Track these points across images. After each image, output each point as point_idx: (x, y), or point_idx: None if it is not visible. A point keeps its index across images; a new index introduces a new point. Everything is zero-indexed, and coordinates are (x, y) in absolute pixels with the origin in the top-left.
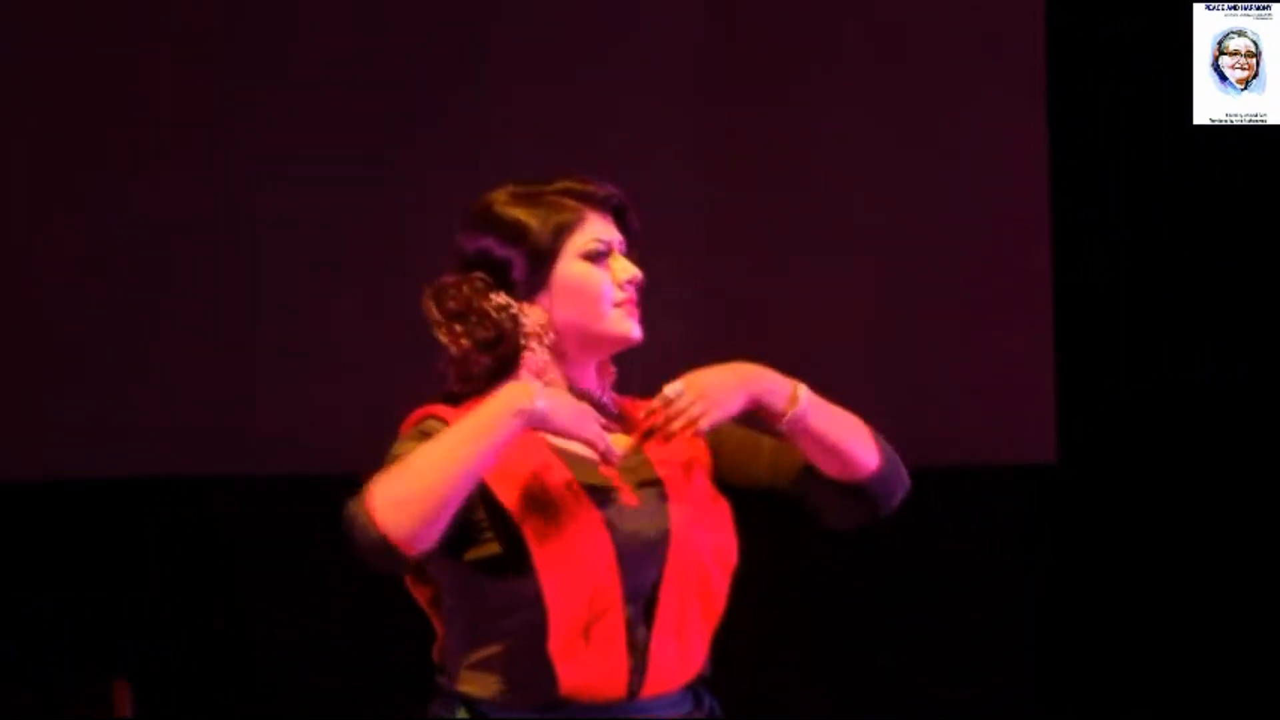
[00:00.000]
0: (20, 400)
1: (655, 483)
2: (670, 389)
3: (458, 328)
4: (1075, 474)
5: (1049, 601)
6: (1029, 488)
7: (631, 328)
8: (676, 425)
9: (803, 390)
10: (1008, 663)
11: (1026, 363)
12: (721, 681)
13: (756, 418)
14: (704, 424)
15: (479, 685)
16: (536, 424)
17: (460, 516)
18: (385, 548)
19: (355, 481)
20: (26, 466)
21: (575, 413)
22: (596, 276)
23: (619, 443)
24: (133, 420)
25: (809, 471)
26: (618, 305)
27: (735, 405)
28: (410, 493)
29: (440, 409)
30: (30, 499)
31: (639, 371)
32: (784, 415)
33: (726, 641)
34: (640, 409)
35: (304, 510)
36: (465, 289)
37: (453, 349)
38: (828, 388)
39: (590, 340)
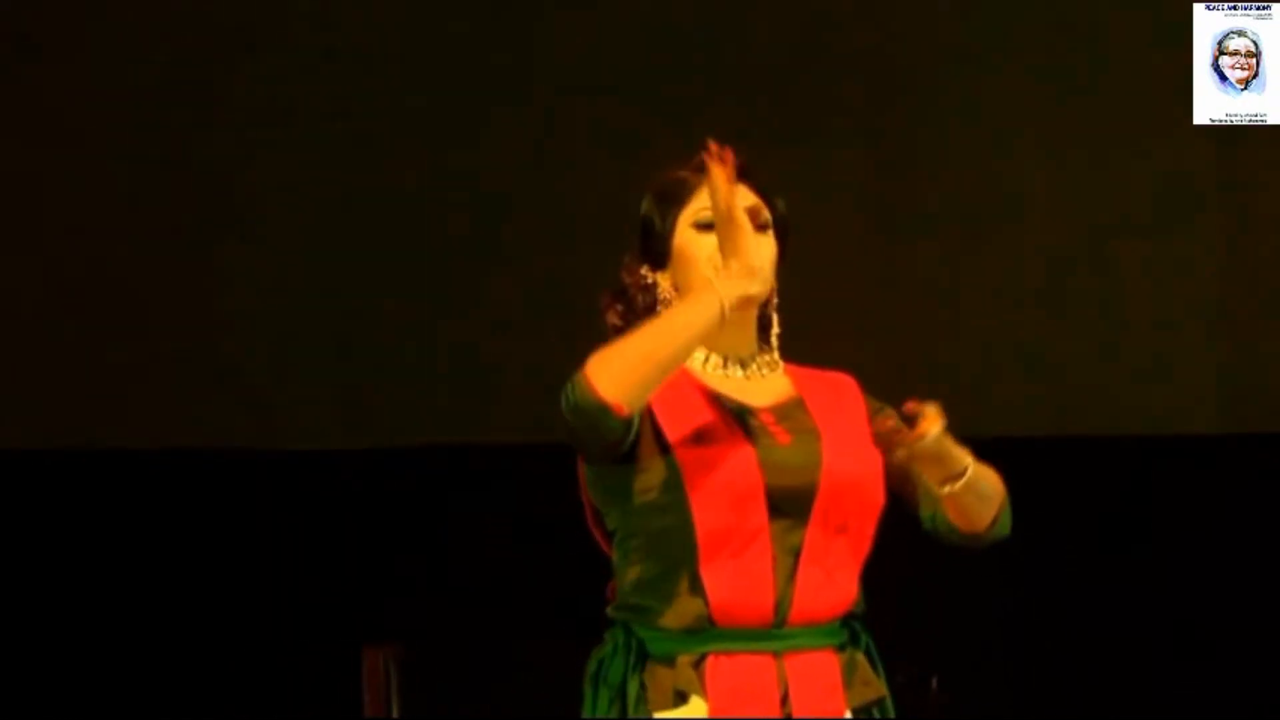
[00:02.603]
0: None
1: (811, 428)
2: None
3: (619, 305)
4: None
5: None
6: None
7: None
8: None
9: (972, 465)
10: None
11: None
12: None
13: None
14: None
15: (638, 606)
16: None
17: (626, 448)
18: (599, 407)
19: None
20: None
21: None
22: (698, 243)
23: (774, 391)
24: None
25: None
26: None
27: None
28: (625, 361)
29: None
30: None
31: None
32: (961, 474)
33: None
34: (801, 374)
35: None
36: (624, 266)
37: (608, 320)
38: None
39: None
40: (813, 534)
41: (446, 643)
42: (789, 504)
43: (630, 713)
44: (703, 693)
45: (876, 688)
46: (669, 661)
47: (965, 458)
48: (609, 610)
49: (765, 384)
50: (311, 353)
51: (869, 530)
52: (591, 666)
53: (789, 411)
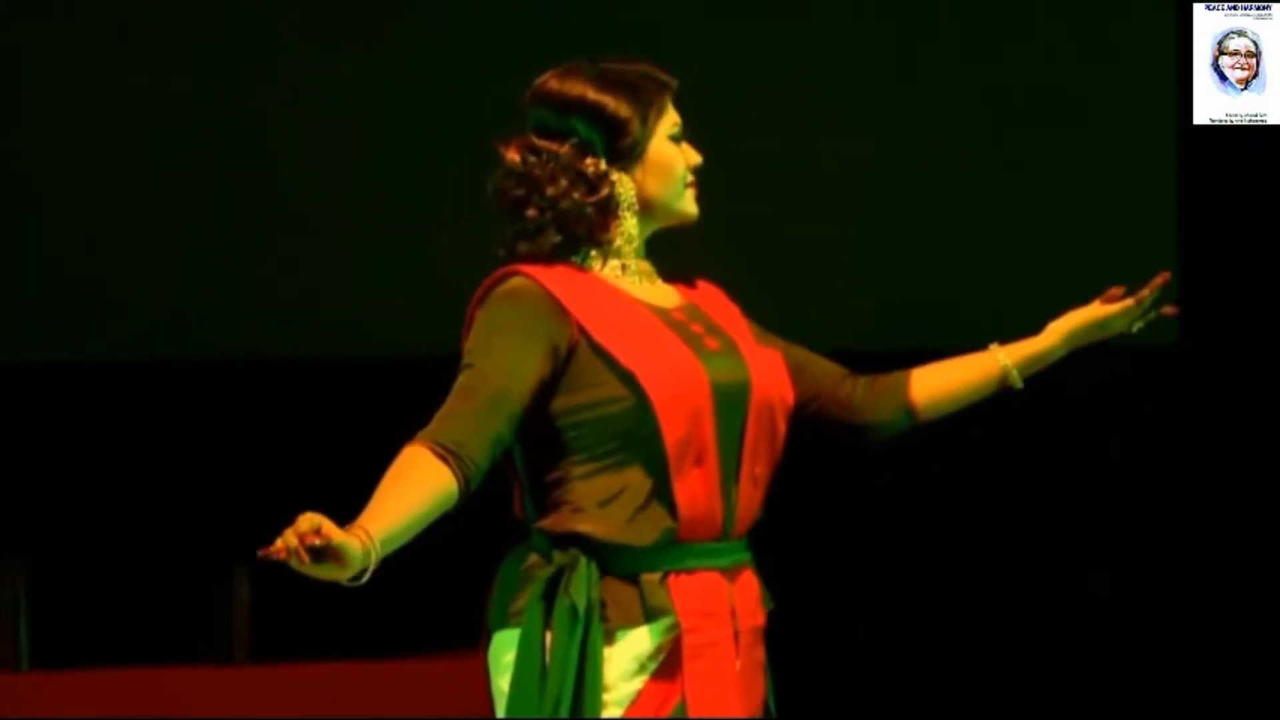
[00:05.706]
0: None
1: (723, 333)
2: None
3: (549, 189)
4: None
5: None
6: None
7: (695, 207)
8: None
9: None
10: None
11: None
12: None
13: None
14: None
15: (599, 524)
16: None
17: (565, 372)
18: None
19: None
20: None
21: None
22: (680, 157)
23: (670, 296)
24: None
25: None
26: (689, 185)
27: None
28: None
29: (528, 267)
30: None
31: None
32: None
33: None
34: (677, 283)
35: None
36: (564, 151)
37: (529, 214)
38: None
39: (664, 214)
40: (749, 445)
41: (77, 560)
42: (728, 411)
43: (588, 632)
44: (674, 611)
45: (768, 602)
46: (631, 579)
47: None
48: (545, 525)
49: (659, 290)
50: None
51: (783, 433)
52: (538, 586)
53: (694, 316)
